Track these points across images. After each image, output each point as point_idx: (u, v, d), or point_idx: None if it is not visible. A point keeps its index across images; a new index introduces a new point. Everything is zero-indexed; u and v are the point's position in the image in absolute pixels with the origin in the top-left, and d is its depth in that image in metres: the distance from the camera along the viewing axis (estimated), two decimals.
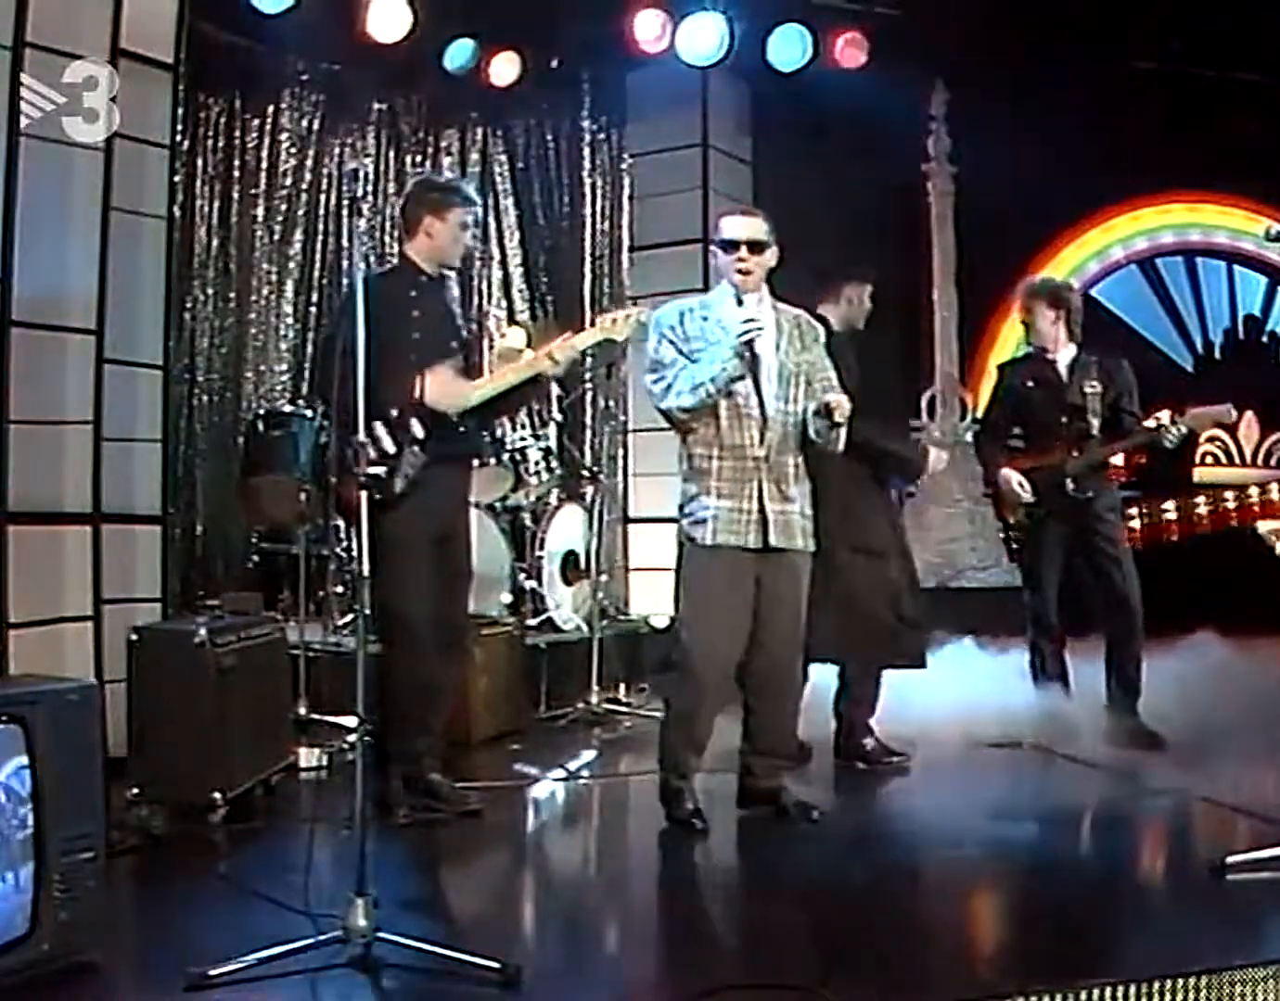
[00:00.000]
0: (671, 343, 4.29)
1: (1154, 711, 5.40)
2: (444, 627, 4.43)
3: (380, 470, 4.15)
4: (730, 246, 4.28)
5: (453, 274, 4.84)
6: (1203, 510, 8.39)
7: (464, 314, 5.13)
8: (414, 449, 4.30)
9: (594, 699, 6.29)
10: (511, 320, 7.70)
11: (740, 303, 4.28)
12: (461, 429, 4.43)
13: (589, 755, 5.63)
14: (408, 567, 4.27)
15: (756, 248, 4.27)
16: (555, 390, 7.29)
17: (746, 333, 4.11)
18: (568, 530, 6.96)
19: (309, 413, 5.60)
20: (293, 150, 7.15)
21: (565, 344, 4.46)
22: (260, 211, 7.05)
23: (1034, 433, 5.59)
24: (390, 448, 4.29)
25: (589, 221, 8.13)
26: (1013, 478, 5.46)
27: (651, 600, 7.67)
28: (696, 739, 4.32)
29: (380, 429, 4.24)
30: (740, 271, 4.27)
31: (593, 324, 4.66)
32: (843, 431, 4.21)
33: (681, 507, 4.36)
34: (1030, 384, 5.58)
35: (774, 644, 4.32)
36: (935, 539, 8.30)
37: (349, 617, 6.04)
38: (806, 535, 4.32)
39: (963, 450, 8.24)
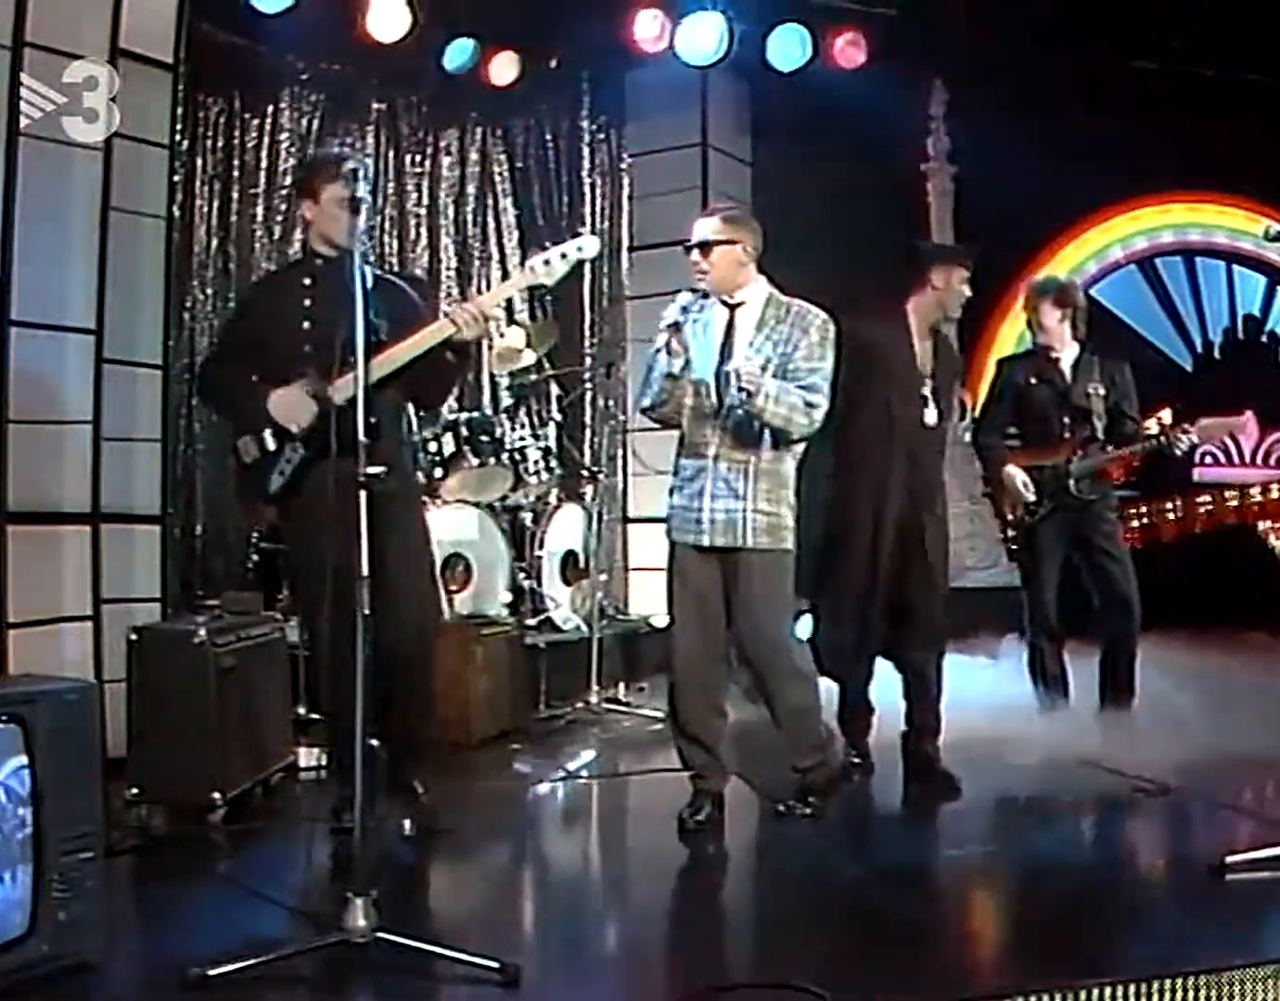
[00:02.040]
0: (666, 343, 4.29)
1: (1151, 709, 5.40)
2: (387, 647, 3.84)
3: (285, 467, 4.02)
4: (688, 251, 4.32)
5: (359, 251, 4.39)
6: (1184, 511, 8.38)
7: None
8: (294, 446, 4.05)
9: (594, 699, 6.29)
10: (511, 320, 7.68)
11: (725, 303, 4.31)
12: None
13: (589, 755, 5.62)
14: (312, 577, 3.84)
15: (706, 249, 4.27)
16: (555, 390, 7.30)
17: (662, 332, 4.21)
18: (567, 530, 6.96)
19: None
20: (293, 150, 7.13)
21: (472, 302, 4.10)
22: (260, 211, 7.04)
23: (1034, 431, 5.57)
24: (271, 445, 4.09)
25: (589, 221, 8.12)
26: (1017, 476, 5.45)
27: (651, 600, 7.64)
28: (685, 731, 4.34)
29: (267, 429, 4.09)
30: (699, 274, 4.30)
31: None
32: (761, 400, 4.09)
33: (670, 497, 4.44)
34: (1033, 381, 5.57)
35: (748, 643, 4.34)
36: None
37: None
38: (761, 531, 4.23)
39: (963, 450, 8.24)
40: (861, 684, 4.98)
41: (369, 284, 4.14)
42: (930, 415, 4.86)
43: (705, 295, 4.34)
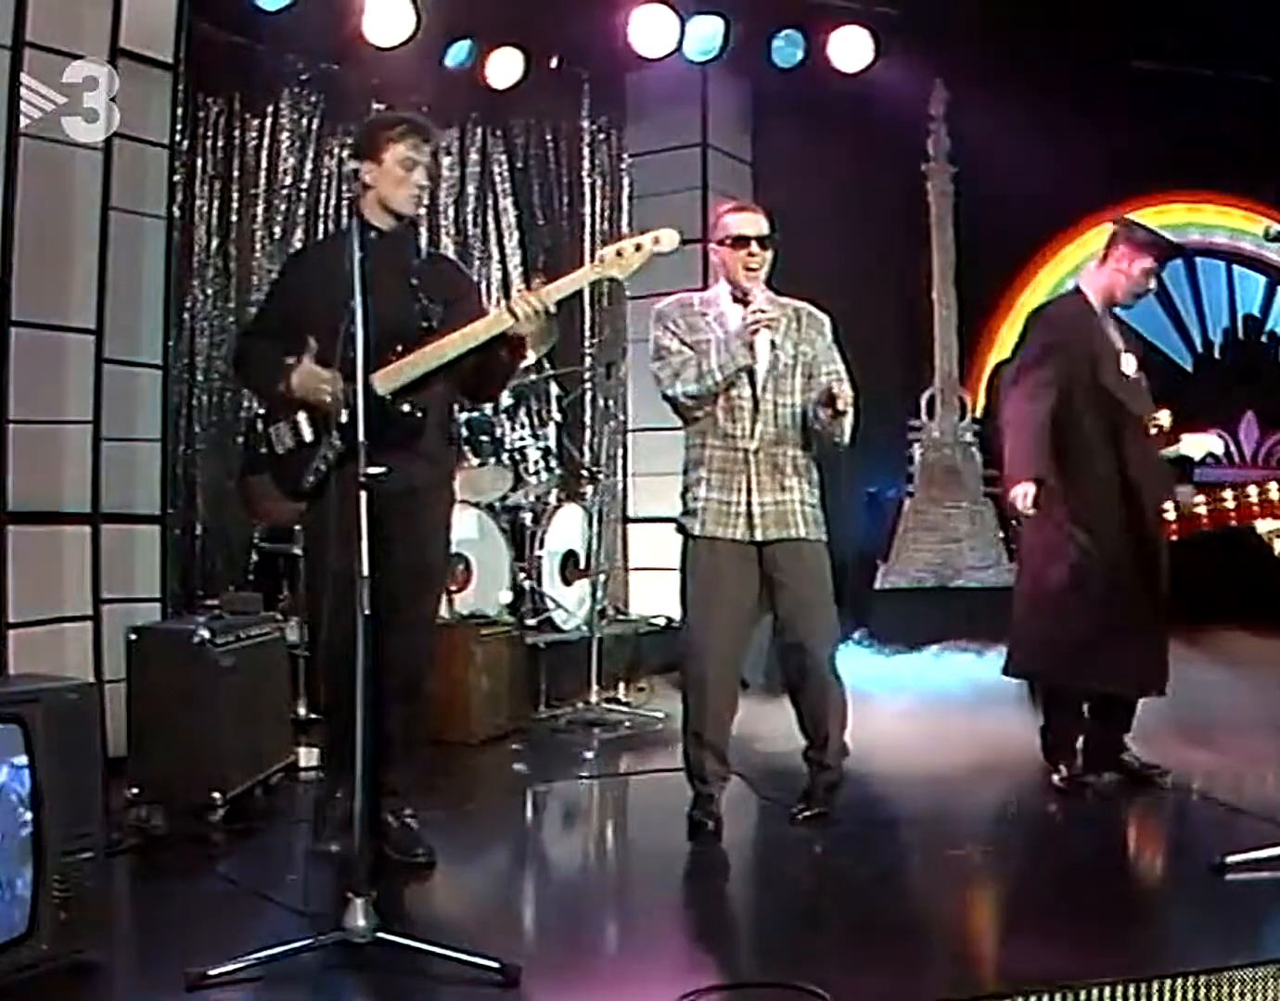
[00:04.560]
0: (674, 332, 4.29)
1: (1149, 708, 5.40)
2: (388, 669, 3.64)
3: (322, 464, 3.69)
4: (740, 243, 4.27)
5: (418, 226, 4.00)
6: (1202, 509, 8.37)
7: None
8: (333, 438, 3.70)
9: (594, 699, 6.30)
10: None
11: (737, 300, 4.29)
12: (404, 411, 3.71)
13: (589, 755, 5.62)
14: (331, 589, 3.48)
15: (765, 243, 4.29)
16: (555, 390, 7.30)
17: (755, 323, 4.14)
18: (567, 530, 6.96)
19: None
20: (293, 150, 7.14)
21: (533, 294, 3.71)
22: (260, 211, 7.04)
23: None
24: (309, 436, 3.78)
25: (589, 221, 8.12)
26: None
27: (651, 600, 7.67)
28: (704, 738, 4.28)
29: (301, 414, 3.79)
30: (749, 268, 4.27)
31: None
32: (847, 421, 4.19)
33: (682, 497, 4.37)
34: None
35: (793, 636, 4.29)
36: (935, 539, 8.30)
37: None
38: (810, 522, 4.27)
39: (963, 450, 8.27)
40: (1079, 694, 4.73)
41: (423, 261, 3.95)
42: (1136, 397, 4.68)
43: (692, 296, 4.37)
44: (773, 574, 4.26)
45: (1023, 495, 4.55)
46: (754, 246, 4.27)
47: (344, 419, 3.60)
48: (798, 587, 4.27)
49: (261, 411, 4.11)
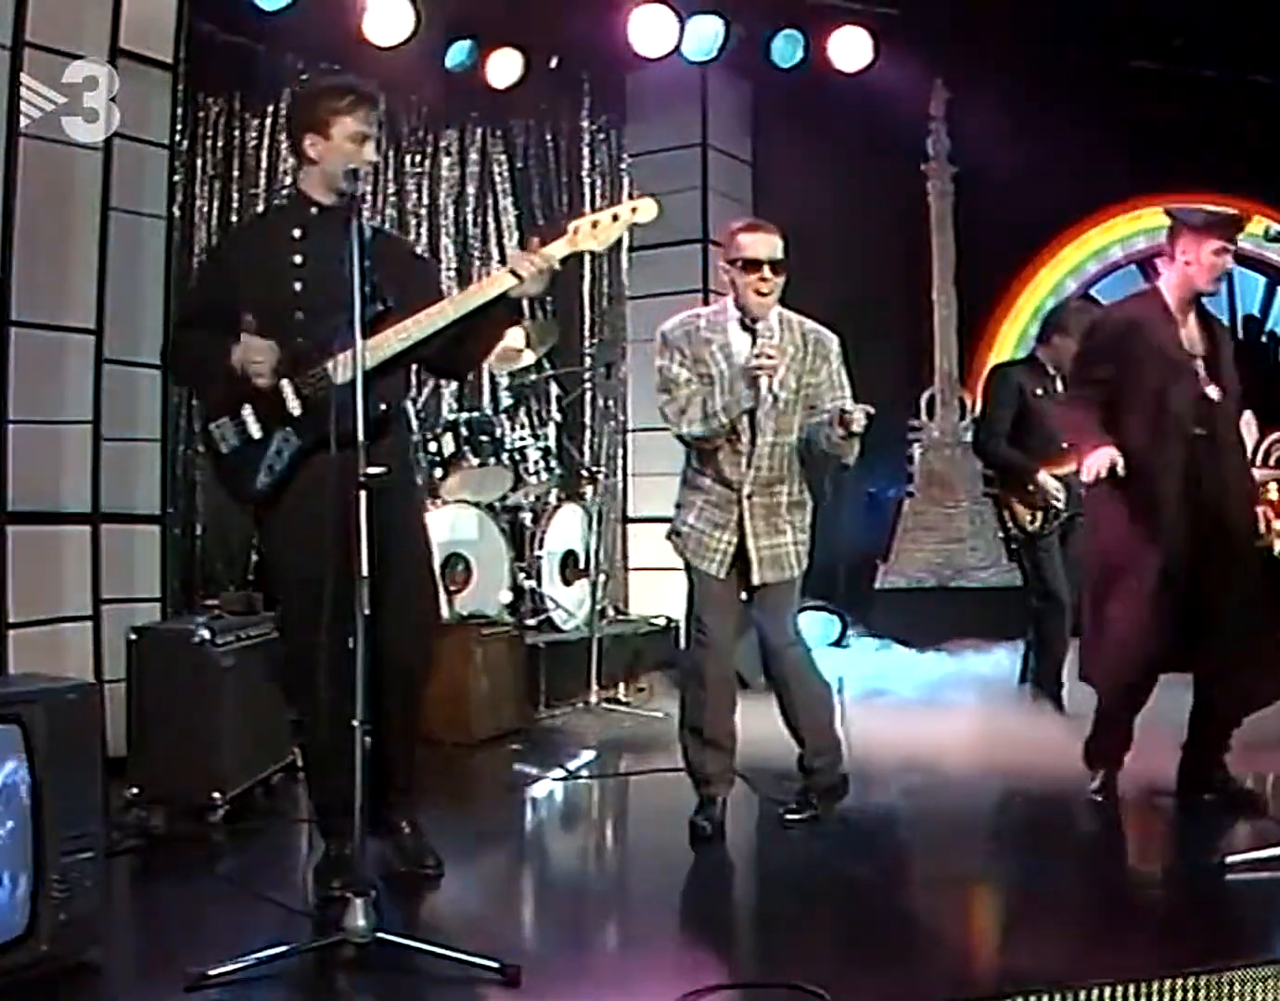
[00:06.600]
0: (680, 359, 4.18)
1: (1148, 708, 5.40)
2: (387, 672, 3.50)
3: (276, 463, 3.45)
4: (752, 266, 4.12)
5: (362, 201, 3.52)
6: None
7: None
8: (287, 433, 3.45)
9: (594, 698, 6.30)
10: None
11: (746, 327, 4.19)
12: (378, 398, 3.35)
13: (589, 755, 5.62)
14: (301, 598, 3.36)
15: (778, 267, 4.15)
16: (555, 390, 7.31)
17: (759, 368, 3.99)
18: (567, 530, 6.96)
19: None
20: (293, 150, 7.12)
21: (534, 252, 3.51)
22: (260, 211, 7.04)
23: (1038, 441, 5.67)
24: (256, 432, 3.48)
25: None
26: (1050, 482, 5.55)
27: (651, 600, 7.67)
28: (710, 740, 4.27)
29: (247, 409, 3.49)
30: (759, 293, 4.14)
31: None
32: (856, 442, 4.07)
33: (676, 508, 4.35)
34: (1038, 393, 5.75)
35: (772, 639, 4.32)
36: (935, 539, 8.30)
37: None
38: (799, 562, 4.27)
39: (963, 449, 8.26)
40: (1131, 706, 4.52)
41: (370, 239, 3.56)
42: (1213, 391, 4.43)
43: (698, 315, 4.29)
44: (753, 598, 4.29)
45: (1105, 461, 4.25)
46: (766, 271, 4.12)
47: (297, 412, 3.42)
48: (774, 608, 4.29)
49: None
